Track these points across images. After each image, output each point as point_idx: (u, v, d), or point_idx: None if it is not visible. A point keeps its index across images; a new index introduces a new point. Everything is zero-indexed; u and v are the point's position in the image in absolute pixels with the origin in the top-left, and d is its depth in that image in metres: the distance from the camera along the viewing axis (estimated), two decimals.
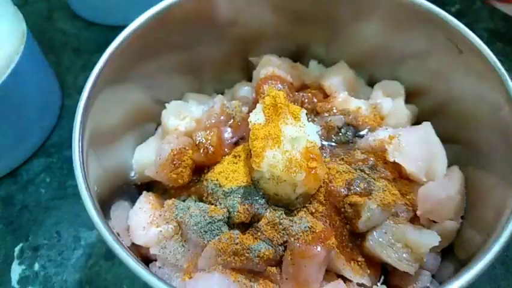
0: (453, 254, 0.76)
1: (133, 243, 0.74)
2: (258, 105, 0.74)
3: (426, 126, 0.79)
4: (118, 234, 0.64)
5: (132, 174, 0.84)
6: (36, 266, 0.90)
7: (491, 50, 0.70)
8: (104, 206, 0.69)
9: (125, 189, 0.83)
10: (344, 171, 0.75)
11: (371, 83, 0.94)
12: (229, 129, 0.81)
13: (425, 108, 0.88)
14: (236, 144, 0.82)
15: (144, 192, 0.81)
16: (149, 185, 0.85)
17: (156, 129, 0.90)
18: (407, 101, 0.89)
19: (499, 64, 0.69)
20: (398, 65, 0.90)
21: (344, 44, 0.93)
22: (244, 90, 0.91)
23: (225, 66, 0.96)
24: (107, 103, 0.75)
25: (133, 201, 0.81)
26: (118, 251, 0.57)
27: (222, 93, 0.96)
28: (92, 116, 0.69)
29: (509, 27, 1.25)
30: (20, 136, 0.99)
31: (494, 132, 0.71)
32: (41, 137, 1.05)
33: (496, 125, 0.71)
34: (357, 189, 0.72)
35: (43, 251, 0.92)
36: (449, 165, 0.79)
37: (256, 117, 0.72)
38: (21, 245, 0.93)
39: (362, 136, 0.82)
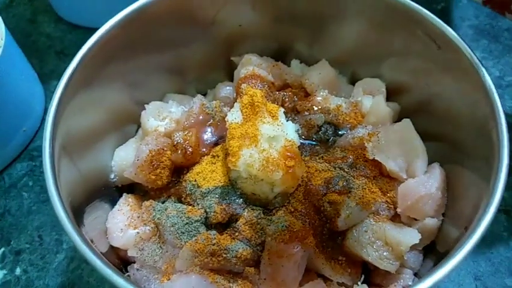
0: (436, 252, 0.75)
1: (111, 246, 0.74)
2: (235, 104, 0.73)
3: (406, 123, 0.78)
4: (92, 241, 0.64)
5: (112, 176, 0.83)
6: (18, 271, 0.89)
7: (476, 48, 0.70)
8: (81, 210, 0.69)
9: (106, 192, 0.82)
10: (323, 169, 0.74)
11: (353, 82, 0.93)
12: (209, 130, 0.81)
13: (407, 106, 0.88)
14: (216, 144, 0.81)
15: (124, 194, 0.80)
16: (131, 188, 0.84)
17: (137, 130, 0.89)
18: (389, 98, 0.89)
19: (476, 59, 0.69)
20: (380, 62, 0.89)
21: (326, 43, 0.93)
22: (226, 90, 0.91)
23: (207, 66, 0.95)
24: (84, 105, 0.74)
25: (113, 203, 0.80)
26: (90, 258, 0.57)
27: (205, 94, 0.96)
28: (66, 119, 0.69)
29: (494, 25, 1.25)
30: (1, 140, 0.98)
31: (473, 129, 0.71)
32: (23, 140, 1.04)
33: (474, 121, 0.70)
34: (336, 187, 0.72)
35: (25, 255, 0.91)
36: (431, 162, 0.78)
37: (234, 116, 0.71)
38: (2, 249, 0.92)
39: (342, 134, 0.81)
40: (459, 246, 0.56)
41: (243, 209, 0.70)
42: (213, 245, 0.66)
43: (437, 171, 0.75)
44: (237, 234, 0.69)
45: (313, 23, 0.91)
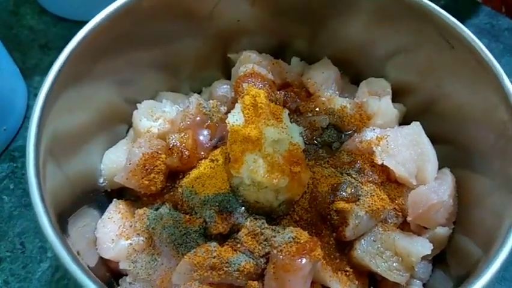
0: (445, 262, 0.72)
1: (101, 257, 0.68)
2: (236, 105, 0.68)
3: (416, 126, 0.74)
4: (78, 253, 0.58)
5: (101, 180, 0.77)
6: None
7: None
8: (67, 217, 0.63)
9: (94, 197, 0.77)
10: (329, 175, 0.70)
11: (356, 81, 0.89)
12: (205, 131, 0.75)
13: (412, 107, 0.84)
14: (215, 147, 0.76)
15: (114, 200, 0.75)
16: (121, 192, 0.79)
17: (128, 131, 0.84)
18: (394, 99, 0.85)
19: (494, 61, 0.65)
20: (385, 61, 0.85)
21: (328, 40, 0.88)
22: (223, 88, 0.85)
23: (202, 63, 0.90)
24: (71, 104, 0.69)
25: (102, 209, 0.75)
26: (76, 273, 0.52)
27: (200, 92, 0.91)
28: (52, 119, 0.63)
29: (494, 24, 1.23)
30: None
31: (489, 132, 0.67)
32: (4, 140, 0.97)
33: (490, 124, 0.67)
34: (344, 194, 0.68)
35: (5, 264, 0.85)
36: (440, 167, 0.75)
37: (235, 118, 0.66)
38: None
39: (347, 137, 0.77)
40: (485, 266, 0.52)
41: (245, 218, 0.66)
42: (214, 257, 0.62)
43: (448, 177, 0.72)
44: (239, 245, 0.64)
45: (314, 17, 0.86)
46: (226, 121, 0.67)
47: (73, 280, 0.81)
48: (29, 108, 1.04)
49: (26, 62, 1.11)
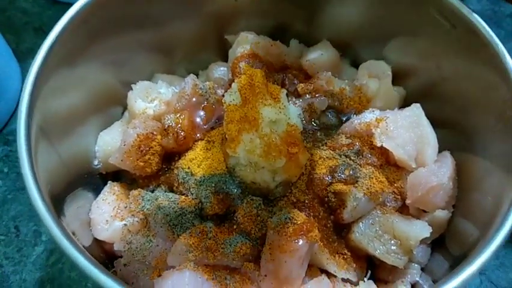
0: (444, 246, 0.71)
1: (95, 239, 0.67)
2: (233, 84, 0.67)
3: (416, 108, 0.73)
4: (73, 233, 0.57)
5: (96, 162, 0.76)
6: None
7: None
8: (61, 199, 0.62)
9: (89, 180, 0.76)
10: (327, 157, 0.69)
11: (356, 64, 0.88)
12: (202, 113, 0.74)
13: (413, 90, 0.83)
14: (211, 128, 0.75)
15: (109, 182, 0.74)
16: (117, 175, 0.78)
17: (123, 113, 0.82)
18: (394, 82, 0.83)
19: (496, 40, 0.64)
20: (385, 43, 0.84)
21: (327, 22, 0.87)
22: (220, 71, 0.84)
23: (198, 44, 0.88)
24: (64, 84, 0.68)
25: (97, 192, 0.74)
26: (71, 252, 0.51)
27: (196, 75, 0.89)
28: (43, 100, 0.62)
29: (496, 10, 1.21)
30: None
31: (490, 113, 0.66)
32: None
33: (491, 105, 0.66)
34: (342, 176, 0.67)
35: (0, 247, 0.84)
36: (440, 150, 0.74)
37: (231, 97, 0.65)
38: None
39: (346, 119, 0.76)
40: (483, 246, 0.51)
41: (242, 200, 0.65)
42: (209, 238, 0.61)
43: (448, 160, 0.71)
44: (235, 226, 0.63)
45: None
46: (223, 100, 0.65)
47: (68, 262, 0.82)
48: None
49: (20, 45, 1.09)
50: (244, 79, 0.66)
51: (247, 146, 0.61)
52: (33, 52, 1.07)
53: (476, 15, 0.66)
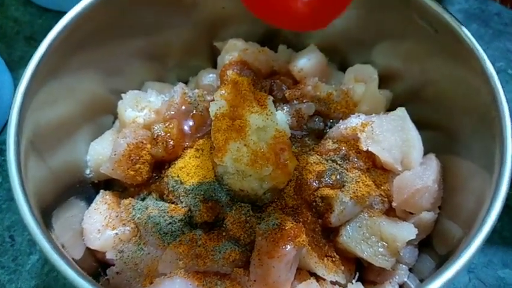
0: (431, 247, 0.72)
1: (88, 248, 0.68)
2: (215, 93, 0.68)
3: (401, 112, 0.74)
4: (63, 245, 0.58)
5: (88, 172, 0.77)
6: None
7: None
8: (51, 210, 0.63)
9: (81, 189, 0.77)
10: (314, 162, 0.70)
11: (344, 68, 0.89)
12: (190, 121, 0.75)
13: (399, 94, 0.84)
14: (200, 137, 0.76)
15: (101, 192, 0.75)
16: (109, 183, 0.79)
17: (114, 122, 0.83)
18: (381, 86, 0.84)
19: (477, 45, 0.65)
20: (371, 48, 0.85)
21: None
22: (209, 78, 0.85)
23: (189, 52, 0.89)
24: (54, 95, 0.68)
25: (90, 201, 0.75)
26: (60, 265, 0.52)
27: (187, 82, 0.90)
28: (34, 111, 0.63)
29: (484, 9, 1.22)
30: None
31: (472, 117, 0.67)
32: None
33: (473, 109, 0.67)
34: (329, 181, 0.68)
35: None
36: (426, 152, 0.75)
37: (216, 107, 0.66)
38: None
39: (332, 124, 0.77)
40: (466, 244, 0.53)
41: (230, 207, 0.66)
42: (199, 246, 0.62)
43: (433, 162, 0.72)
44: (224, 233, 0.64)
45: None
46: (210, 110, 0.67)
47: None
48: None
49: (11, 54, 1.09)
50: (230, 87, 0.67)
51: (234, 154, 0.62)
52: (24, 61, 1.09)
53: (457, 21, 0.67)
